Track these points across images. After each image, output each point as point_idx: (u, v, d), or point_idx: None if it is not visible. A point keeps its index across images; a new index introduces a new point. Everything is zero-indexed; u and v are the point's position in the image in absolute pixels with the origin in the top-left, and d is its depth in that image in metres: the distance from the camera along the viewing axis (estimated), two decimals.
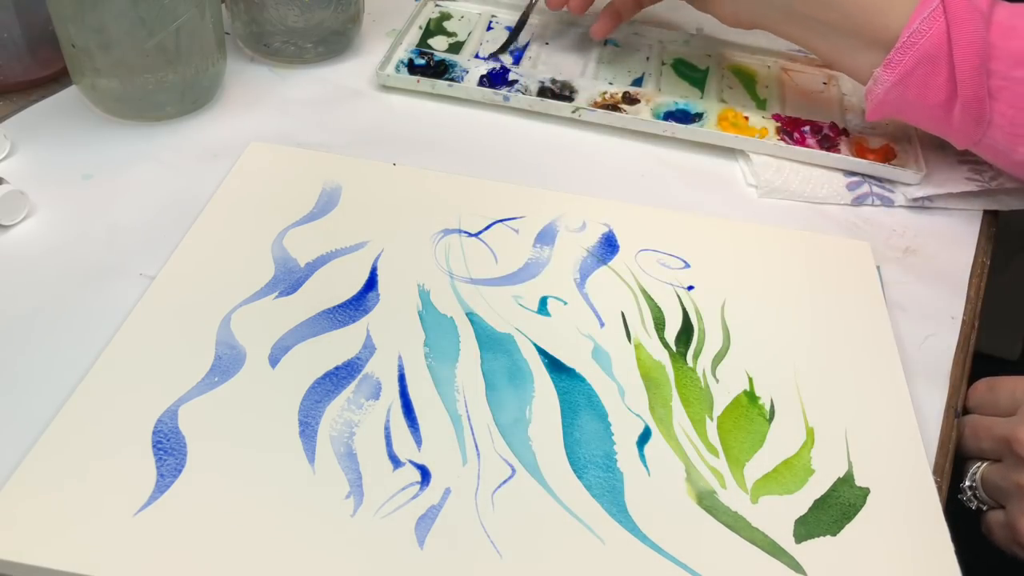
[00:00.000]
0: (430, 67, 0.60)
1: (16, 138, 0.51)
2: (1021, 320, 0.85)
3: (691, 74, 0.63)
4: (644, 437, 0.38)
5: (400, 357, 0.40)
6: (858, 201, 0.54)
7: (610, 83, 0.61)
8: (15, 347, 0.40)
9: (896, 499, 0.37)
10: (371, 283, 0.43)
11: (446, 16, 0.67)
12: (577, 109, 0.57)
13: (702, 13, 0.57)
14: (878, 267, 0.48)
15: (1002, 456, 0.42)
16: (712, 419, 0.39)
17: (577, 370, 0.40)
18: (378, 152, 0.53)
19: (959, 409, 0.43)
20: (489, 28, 0.66)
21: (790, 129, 0.57)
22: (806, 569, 0.34)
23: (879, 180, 0.55)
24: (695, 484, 0.37)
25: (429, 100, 0.59)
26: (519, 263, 0.46)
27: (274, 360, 0.39)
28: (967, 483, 0.42)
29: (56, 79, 0.55)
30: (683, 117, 0.58)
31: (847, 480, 0.37)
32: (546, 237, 0.47)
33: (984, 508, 0.42)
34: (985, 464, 0.42)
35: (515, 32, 0.51)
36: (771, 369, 0.42)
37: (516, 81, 0.59)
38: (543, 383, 0.40)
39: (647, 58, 0.64)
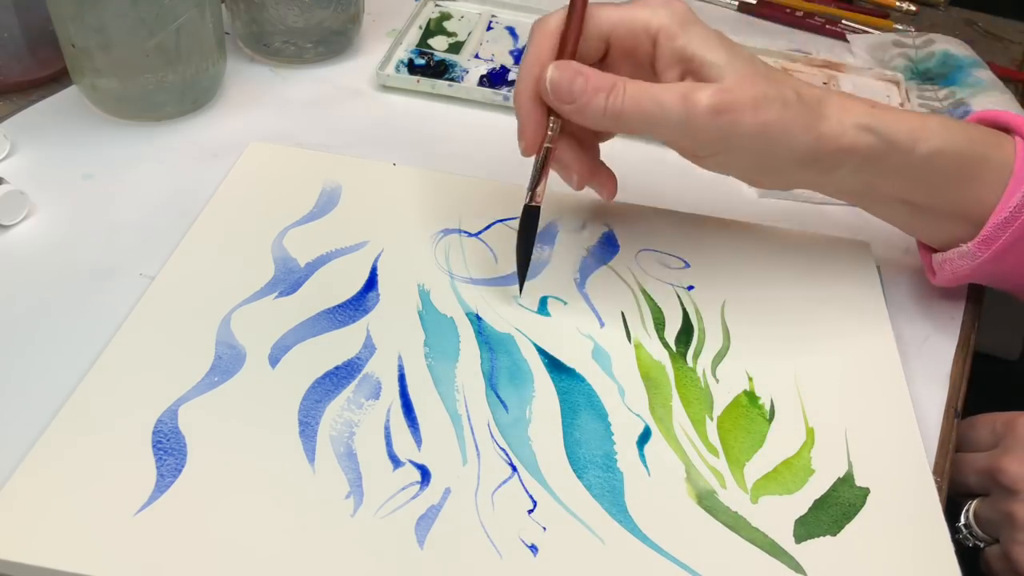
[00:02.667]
0: (430, 67, 0.60)
1: (16, 138, 0.51)
2: (1021, 320, 0.85)
3: None
4: (644, 437, 0.38)
5: (400, 357, 0.40)
6: None
7: None
8: (15, 347, 0.40)
9: (896, 499, 0.37)
10: (371, 283, 0.43)
11: (446, 16, 0.67)
12: None
13: (702, 14, 0.57)
14: (878, 267, 0.48)
15: (989, 489, 0.42)
16: (712, 419, 0.39)
17: (577, 370, 0.40)
18: (378, 152, 0.53)
19: (959, 409, 0.43)
20: (489, 28, 0.66)
21: None
22: (806, 569, 0.34)
23: None
24: (695, 484, 0.37)
25: (429, 100, 0.59)
26: None
27: (274, 360, 0.39)
28: (961, 522, 0.42)
29: (56, 79, 0.55)
30: None
31: (847, 480, 0.37)
32: (546, 237, 0.47)
33: (982, 545, 0.42)
34: (975, 500, 0.43)
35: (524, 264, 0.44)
36: (771, 369, 0.42)
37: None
38: (543, 383, 0.40)
39: None
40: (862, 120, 0.39)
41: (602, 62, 0.41)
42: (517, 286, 0.44)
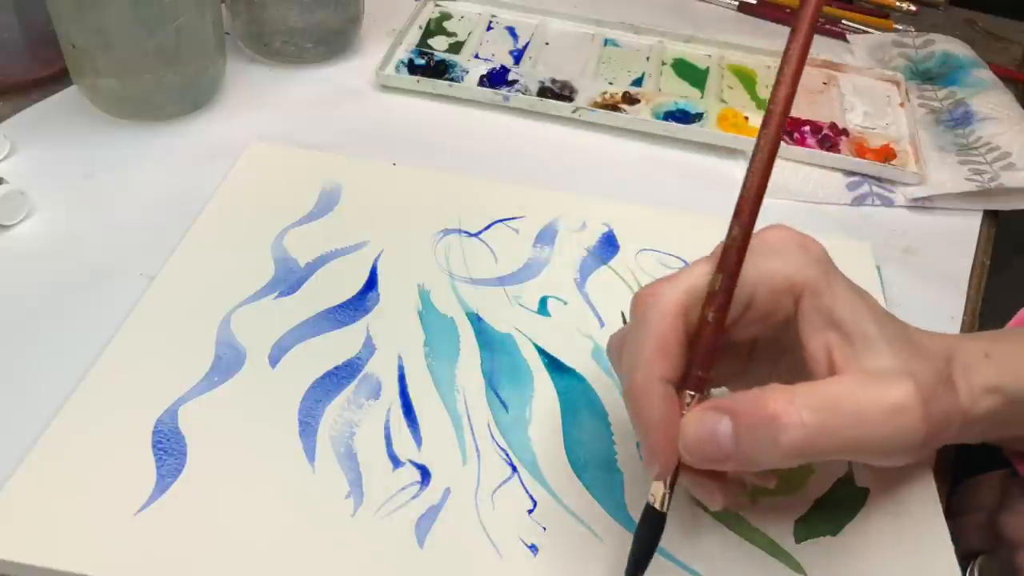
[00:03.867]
0: (430, 67, 0.60)
1: (16, 138, 0.51)
2: None
3: (691, 74, 0.63)
4: None
5: (400, 357, 0.40)
6: (858, 201, 0.54)
7: (610, 83, 0.61)
8: (15, 347, 0.40)
9: (896, 499, 0.37)
10: (371, 283, 0.43)
11: (446, 16, 0.67)
12: (577, 109, 0.57)
13: (702, 14, 0.56)
14: (878, 267, 0.48)
15: (992, 546, 0.42)
16: None
17: (577, 370, 0.40)
18: (378, 152, 0.53)
19: None
20: (489, 28, 0.66)
21: (790, 129, 0.57)
22: (806, 569, 0.34)
23: (879, 180, 0.55)
24: None
25: (429, 100, 0.59)
26: (519, 263, 0.46)
27: (274, 360, 0.39)
28: None
29: (56, 79, 0.55)
30: (683, 117, 0.58)
31: (847, 480, 0.37)
32: (546, 237, 0.47)
33: None
34: (980, 557, 0.42)
35: None
36: None
37: (516, 81, 0.59)
38: (543, 383, 0.40)
39: (647, 58, 0.65)
40: (988, 382, 0.33)
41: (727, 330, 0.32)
42: (517, 286, 0.44)
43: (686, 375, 0.30)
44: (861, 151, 0.57)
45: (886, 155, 0.57)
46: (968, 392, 0.33)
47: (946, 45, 0.68)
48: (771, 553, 0.34)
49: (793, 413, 0.28)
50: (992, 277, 0.52)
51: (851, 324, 0.30)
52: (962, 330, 0.46)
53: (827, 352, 0.31)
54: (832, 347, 0.31)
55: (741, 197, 0.30)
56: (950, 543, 0.35)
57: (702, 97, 0.61)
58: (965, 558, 0.42)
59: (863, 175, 0.55)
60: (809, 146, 0.56)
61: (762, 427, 0.28)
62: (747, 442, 0.28)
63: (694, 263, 0.31)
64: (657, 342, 0.30)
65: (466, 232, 0.47)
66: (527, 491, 0.35)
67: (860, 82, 0.64)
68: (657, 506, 0.30)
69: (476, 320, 0.42)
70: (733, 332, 0.32)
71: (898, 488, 0.37)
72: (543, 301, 0.44)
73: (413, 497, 0.35)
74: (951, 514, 0.38)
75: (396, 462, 0.36)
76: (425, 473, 0.36)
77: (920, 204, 0.54)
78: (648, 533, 0.31)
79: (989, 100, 0.61)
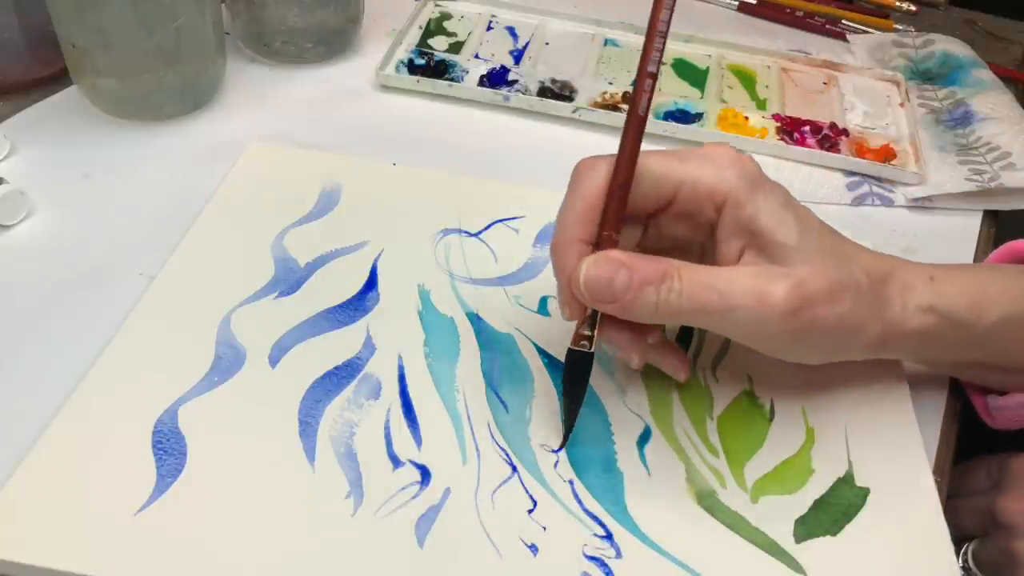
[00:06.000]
0: (430, 67, 0.60)
1: (16, 138, 0.51)
2: None
3: (691, 74, 0.63)
4: (644, 437, 0.38)
5: (400, 357, 0.40)
6: (858, 201, 0.54)
7: (610, 83, 0.61)
8: (15, 347, 0.40)
9: (896, 499, 0.37)
10: (371, 283, 0.43)
11: (446, 16, 0.67)
12: (577, 109, 0.57)
13: (702, 14, 0.57)
14: None
15: (987, 530, 0.42)
16: (712, 419, 0.39)
17: None
18: (378, 152, 0.53)
19: (959, 409, 0.43)
20: (489, 28, 0.66)
21: (790, 129, 0.57)
22: (806, 569, 0.34)
23: (879, 180, 0.55)
24: (695, 484, 0.37)
25: (429, 100, 0.59)
26: (519, 263, 0.46)
27: (274, 360, 0.39)
28: (960, 564, 0.42)
29: (56, 79, 0.55)
30: (683, 117, 0.58)
31: (847, 480, 0.37)
32: (546, 237, 0.47)
33: None
34: (974, 542, 0.43)
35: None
36: (771, 369, 0.42)
37: (516, 81, 0.59)
38: (543, 383, 0.40)
39: None
40: (924, 301, 0.36)
41: (652, 216, 0.36)
42: (517, 286, 0.44)
43: (598, 236, 0.34)
44: (861, 151, 0.57)
45: (886, 155, 0.57)
46: (902, 307, 0.36)
47: (946, 45, 0.68)
48: (771, 553, 0.34)
49: (676, 281, 0.33)
50: None
51: (768, 234, 0.34)
52: None
53: (738, 257, 0.35)
54: (744, 252, 0.34)
55: (637, 76, 0.34)
56: (950, 543, 0.35)
57: (702, 97, 0.61)
58: (958, 542, 0.42)
59: (863, 175, 0.55)
60: (809, 146, 0.56)
61: (648, 284, 0.33)
62: (633, 293, 0.33)
63: (612, 156, 0.35)
64: (582, 207, 0.34)
65: (466, 232, 0.47)
66: (527, 491, 0.35)
67: (860, 82, 0.64)
68: (574, 346, 0.35)
69: (476, 320, 0.42)
70: (659, 227, 0.37)
71: (898, 488, 0.37)
72: (543, 301, 0.44)
73: (413, 497, 0.35)
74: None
75: (396, 462, 0.36)
76: (425, 473, 0.36)
77: (920, 204, 0.54)
78: (573, 374, 0.35)
79: (989, 100, 0.61)
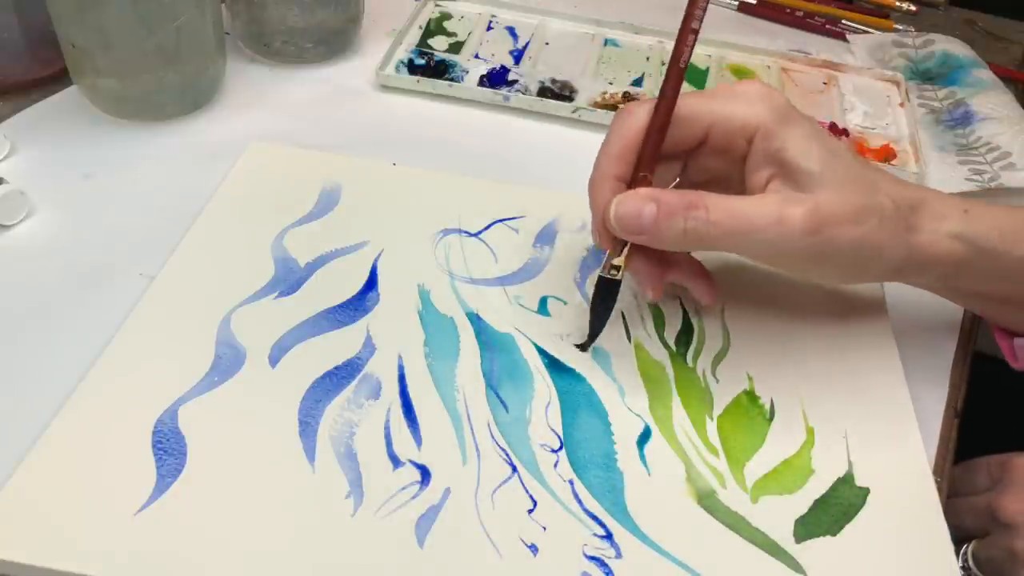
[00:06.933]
0: (430, 67, 0.60)
1: (16, 138, 0.51)
2: None
3: (691, 74, 0.63)
4: (644, 437, 0.38)
5: (400, 357, 0.40)
6: None
7: (610, 83, 0.61)
8: (15, 347, 0.40)
9: (896, 499, 0.37)
10: (371, 283, 0.43)
11: (446, 16, 0.67)
12: (577, 109, 0.57)
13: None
14: None
15: (987, 529, 0.42)
16: (712, 419, 0.39)
17: (577, 370, 0.40)
18: (378, 152, 0.53)
19: (959, 409, 0.43)
20: (489, 28, 0.66)
21: None
22: (806, 569, 0.34)
23: None
24: (695, 484, 0.37)
25: (429, 100, 0.59)
26: (519, 263, 0.46)
27: (274, 360, 0.39)
28: (960, 564, 0.42)
29: (56, 79, 0.55)
30: None
31: (847, 480, 0.37)
32: (546, 237, 0.47)
33: None
34: (973, 542, 0.43)
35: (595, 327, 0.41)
36: (771, 369, 0.42)
37: (516, 81, 0.59)
38: (543, 383, 0.40)
39: (647, 58, 0.65)
40: (955, 229, 0.38)
41: (690, 153, 0.39)
42: (517, 286, 0.44)
43: (633, 176, 0.37)
44: (861, 151, 0.57)
45: (886, 155, 0.57)
46: (932, 233, 0.38)
47: (946, 45, 0.68)
48: (771, 553, 0.34)
49: (702, 209, 0.35)
50: None
51: (792, 163, 0.36)
52: (962, 330, 0.46)
53: (765, 186, 0.37)
54: (771, 181, 0.37)
55: (680, 31, 0.37)
56: (950, 543, 0.35)
57: None
58: (958, 541, 0.42)
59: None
60: None
61: (676, 215, 0.35)
62: (662, 223, 0.35)
63: (651, 100, 0.38)
64: (618, 148, 0.38)
65: (466, 232, 0.47)
66: (527, 491, 0.35)
67: (860, 82, 0.64)
68: (605, 274, 0.38)
69: (476, 320, 0.42)
70: (697, 163, 0.39)
71: (898, 488, 0.37)
72: (543, 301, 0.44)
73: (413, 497, 0.35)
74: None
75: (396, 462, 0.36)
76: (425, 473, 0.36)
77: None
78: (601, 298, 0.39)
79: (989, 100, 0.61)
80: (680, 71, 0.37)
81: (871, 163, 0.38)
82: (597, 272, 0.39)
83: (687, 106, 0.37)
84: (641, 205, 0.36)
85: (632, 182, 0.37)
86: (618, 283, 0.38)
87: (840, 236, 0.35)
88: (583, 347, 0.41)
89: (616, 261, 0.38)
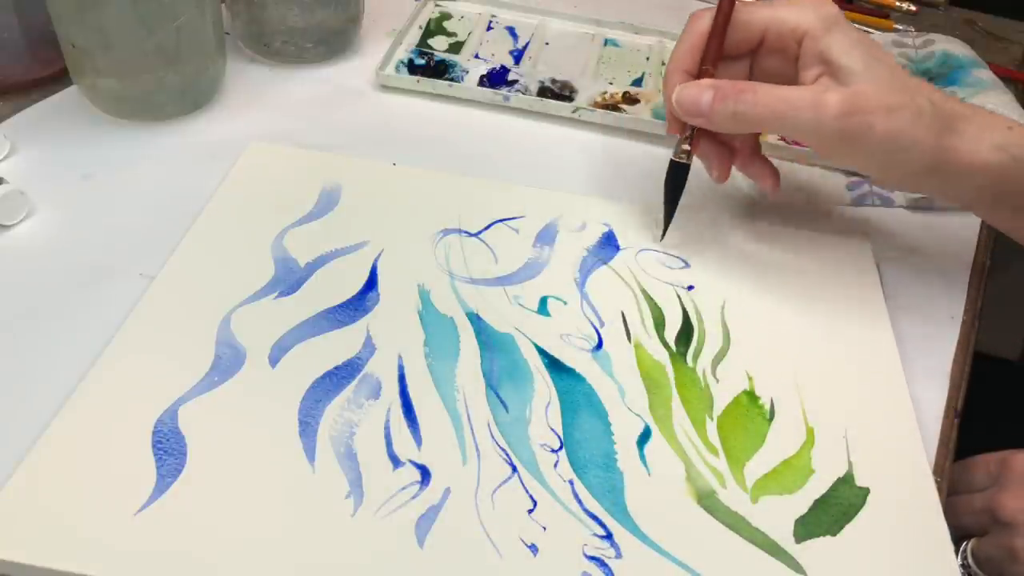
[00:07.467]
0: (430, 67, 0.60)
1: (16, 138, 0.51)
2: (1021, 320, 0.85)
3: None
4: (644, 437, 0.38)
5: (400, 357, 0.40)
6: (858, 201, 0.54)
7: (610, 83, 0.61)
8: (15, 347, 0.40)
9: (896, 499, 0.37)
10: (371, 283, 0.43)
11: (446, 16, 0.67)
12: (577, 109, 0.57)
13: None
14: (878, 267, 0.48)
15: (987, 527, 0.42)
16: (712, 419, 0.39)
17: (577, 370, 0.40)
18: (378, 152, 0.53)
19: (959, 409, 0.43)
20: (489, 28, 0.66)
21: None
22: (806, 569, 0.34)
23: None
24: (695, 484, 0.37)
25: (429, 100, 0.59)
26: (519, 263, 0.46)
27: (274, 360, 0.39)
28: (959, 562, 0.42)
29: (56, 79, 0.55)
30: None
31: (847, 480, 0.37)
32: (546, 237, 0.47)
33: None
34: (972, 540, 0.43)
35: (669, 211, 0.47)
36: (771, 369, 0.42)
37: (516, 81, 0.59)
38: (543, 383, 0.40)
39: (647, 58, 0.65)
40: (999, 140, 0.41)
41: (754, 54, 0.44)
42: (517, 286, 0.44)
43: (699, 69, 0.44)
44: None
45: None
46: (975, 140, 0.41)
47: (946, 45, 0.68)
48: (771, 553, 0.34)
49: (750, 93, 0.41)
50: (992, 277, 0.52)
51: (838, 61, 0.40)
52: (962, 331, 0.46)
53: (814, 82, 0.41)
54: (819, 79, 0.41)
55: None
56: (950, 543, 0.35)
57: None
58: (958, 539, 0.42)
59: (863, 175, 0.55)
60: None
61: (729, 98, 0.41)
62: (716, 106, 0.41)
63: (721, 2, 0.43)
64: (687, 45, 0.44)
65: (466, 232, 0.47)
66: (527, 491, 0.35)
67: None
68: (676, 158, 0.45)
69: (476, 320, 0.42)
70: (759, 63, 0.45)
71: (898, 488, 0.37)
72: (543, 301, 0.44)
73: (413, 497, 0.35)
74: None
75: (396, 462, 0.36)
76: (425, 473, 0.36)
77: (920, 204, 0.54)
78: (673, 182, 0.46)
79: (989, 100, 0.61)
80: None
81: (912, 74, 0.42)
82: (670, 158, 0.45)
83: (745, 11, 0.43)
84: (700, 92, 0.42)
85: (698, 75, 0.43)
86: (687, 167, 0.45)
87: (872, 124, 0.39)
88: (661, 236, 0.47)
89: (685, 146, 0.44)
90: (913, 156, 0.40)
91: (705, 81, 0.42)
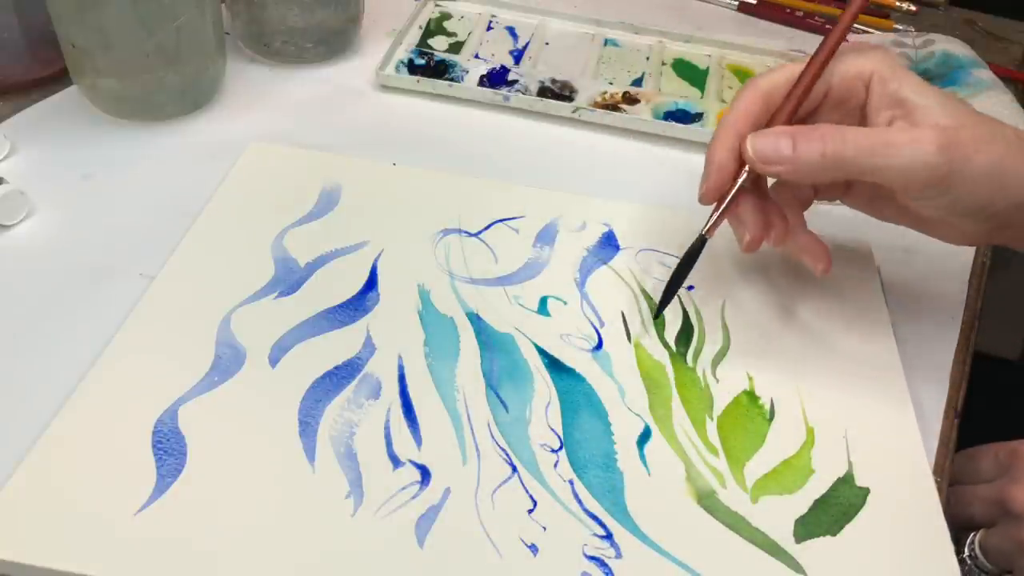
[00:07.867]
0: (430, 67, 0.60)
1: (16, 138, 0.51)
2: (1021, 320, 0.85)
3: (691, 74, 0.63)
4: (644, 437, 0.38)
5: (400, 357, 0.40)
6: None
7: (610, 83, 0.61)
8: (15, 347, 0.40)
9: (896, 499, 0.37)
10: (371, 283, 0.43)
11: (446, 16, 0.67)
12: (577, 109, 0.57)
13: (702, 13, 0.57)
14: (878, 267, 0.48)
15: (996, 519, 0.42)
16: (712, 419, 0.39)
17: (577, 370, 0.40)
18: (378, 152, 0.53)
19: (959, 409, 0.43)
20: (489, 28, 0.66)
21: None
22: (806, 569, 0.34)
23: None
24: (695, 484, 0.37)
25: (429, 100, 0.59)
26: (519, 263, 0.46)
27: (274, 360, 0.39)
28: (966, 553, 0.42)
29: (56, 79, 0.55)
30: (683, 117, 0.58)
31: (847, 480, 0.37)
32: (546, 237, 0.47)
33: None
34: (981, 531, 0.42)
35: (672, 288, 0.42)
36: (771, 369, 0.42)
37: (516, 81, 0.59)
38: (543, 383, 0.40)
39: (647, 58, 0.65)
40: None
41: (812, 114, 0.41)
42: (517, 286, 0.44)
43: (767, 125, 0.40)
44: None
45: None
46: None
47: (946, 45, 0.68)
48: (771, 553, 0.34)
49: (839, 133, 0.37)
50: (992, 277, 0.52)
51: (912, 100, 0.38)
52: (962, 331, 0.46)
53: (887, 123, 0.39)
54: (894, 122, 0.38)
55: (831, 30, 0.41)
56: (950, 543, 0.35)
57: (702, 97, 0.61)
58: (966, 530, 0.42)
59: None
60: None
61: (815, 140, 0.37)
62: (801, 147, 0.37)
63: (783, 66, 0.41)
64: (743, 107, 0.40)
65: (466, 232, 0.47)
66: (527, 491, 0.35)
67: None
68: (707, 233, 0.41)
69: (476, 320, 0.42)
70: (819, 116, 0.41)
71: (898, 488, 0.37)
72: (543, 301, 0.44)
73: (413, 497, 0.35)
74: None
75: (396, 462, 0.36)
76: (425, 473, 0.36)
77: None
78: (692, 257, 0.42)
79: (989, 100, 0.61)
80: (839, 40, 0.41)
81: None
82: (700, 233, 0.41)
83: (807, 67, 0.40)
84: (777, 137, 0.38)
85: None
86: (705, 242, 0.41)
87: (970, 156, 0.37)
88: (656, 315, 0.43)
89: (716, 215, 0.41)
90: (1009, 189, 0.37)
91: (777, 128, 0.39)
